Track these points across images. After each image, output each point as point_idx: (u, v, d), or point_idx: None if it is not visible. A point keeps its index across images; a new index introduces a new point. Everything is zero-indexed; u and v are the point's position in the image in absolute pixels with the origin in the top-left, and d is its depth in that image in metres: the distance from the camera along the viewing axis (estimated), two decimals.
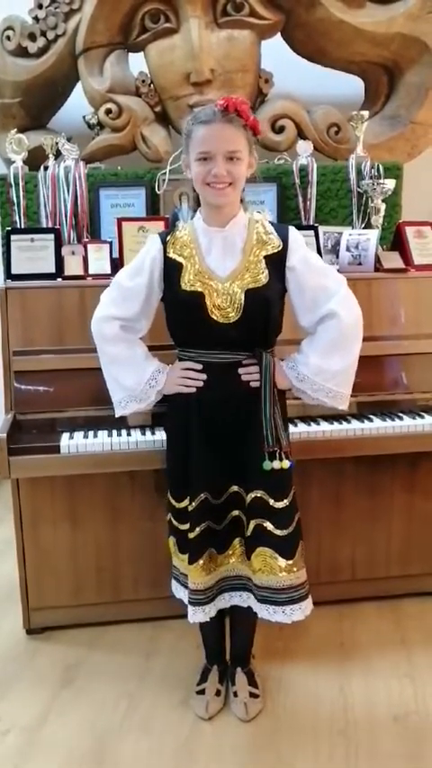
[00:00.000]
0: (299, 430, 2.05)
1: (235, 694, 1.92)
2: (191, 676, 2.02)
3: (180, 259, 1.69)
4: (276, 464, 1.67)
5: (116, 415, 1.85)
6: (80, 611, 2.29)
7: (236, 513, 1.77)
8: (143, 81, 2.86)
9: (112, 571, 2.26)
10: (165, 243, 1.72)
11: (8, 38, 2.91)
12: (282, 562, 1.72)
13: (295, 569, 1.73)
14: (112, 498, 2.21)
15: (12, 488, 2.16)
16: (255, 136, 1.65)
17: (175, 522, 1.83)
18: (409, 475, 2.33)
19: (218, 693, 1.94)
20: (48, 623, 2.29)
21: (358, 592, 2.42)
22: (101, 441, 1.97)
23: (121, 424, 2.07)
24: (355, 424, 2.09)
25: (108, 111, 2.85)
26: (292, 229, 1.73)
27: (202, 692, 1.94)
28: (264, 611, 1.75)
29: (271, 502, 1.71)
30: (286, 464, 1.68)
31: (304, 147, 2.69)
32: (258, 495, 1.71)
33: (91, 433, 2.02)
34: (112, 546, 2.24)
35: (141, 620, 2.31)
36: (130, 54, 2.92)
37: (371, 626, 2.32)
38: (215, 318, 1.66)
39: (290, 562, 1.72)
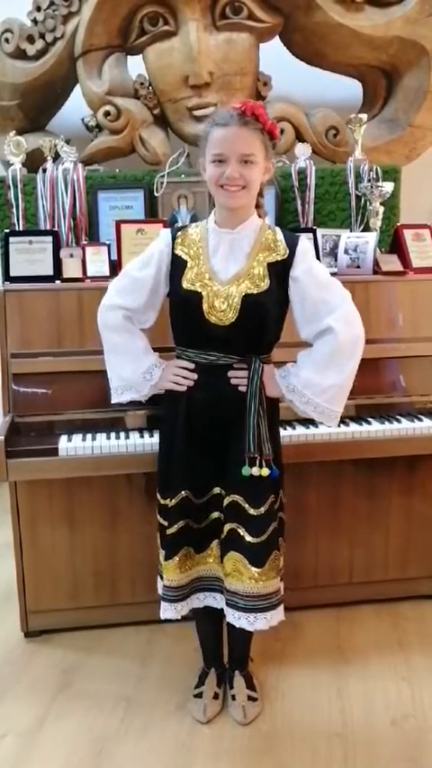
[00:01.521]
0: (297, 432, 2.05)
1: (233, 697, 1.92)
2: (189, 680, 2.01)
3: (186, 257, 1.70)
4: (255, 471, 1.66)
5: (112, 401, 1.85)
6: (78, 614, 2.28)
7: (216, 514, 1.77)
8: (142, 84, 2.86)
9: (109, 574, 2.26)
10: (174, 239, 1.73)
11: (7, 40, 2.91)
12: (251, 569, 1.70)
13: (264, 578, 1.71)
14: (109, 501, 2.20)
15: (10, 491, 2.15)
16: (272, 140, 1.65)
17: (159, 518, 1.84)
18: (407, 478, 2.33)
19: (216, 697, 1.93)
20: (45, 626, 2.29)
21: (356, 595, 2.42)
22: (99, 443, 1.97)
23: (119, 426, 2.08)
24: (354, 427, 2.09)
25: (107, 114, 2.85)
26: (302, 240, 1.72)
27: (199, 695, 1.93)
28: (230, 615, 1.75)
29: (246, 507, 1.70)
30: (265, 472, 1.67)
31: (303, 150, 2.69)
32: (235, 499, 1.71)
33: (89, 436, 2.02)
34: (109, 549, 2.24)
35: (139, 623, 2.30)
36: (129, 57, 2.92)
37: (368, 629, 2.31)
38: (210, 320, 1.66)
39: (258, 570, 1.71)
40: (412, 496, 2.35)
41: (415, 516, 2.37)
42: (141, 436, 2.02)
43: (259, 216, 1.74)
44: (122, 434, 2.04)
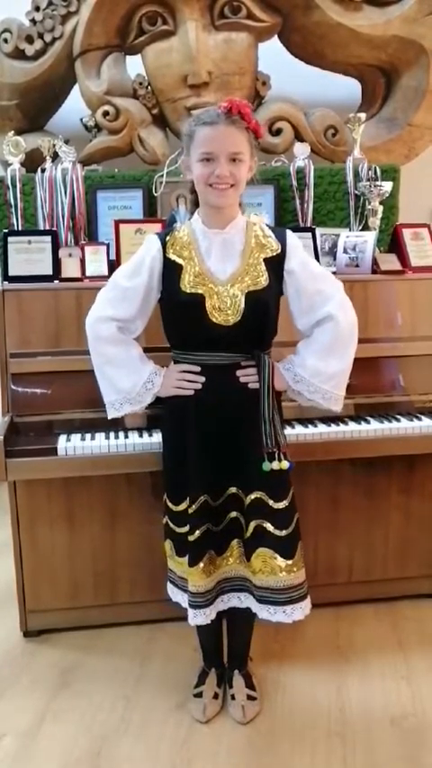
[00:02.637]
0: (296, 432, 2.05)
1: (232, 697, 1.92)
2: (188, 679, 2.01)
3: (179, 260, 1.69)
4: (275, 465, 1.68)
5: (109, 417, 1.83)
6: (77, 613, 2.28)
7: (234, 514, 1.77)
8: (140, 83, 2.87)
9: (109, 574, 2.26)
10: (164, 243, 1.72)
11: (5, 40, 2.92)
12: (282, 562, 1.72)
13: (295, 569, 1.74)
14: (109, 501, 2.20)
15: (9, 491, 2.15)
16: (256, 139, 1.66)
17: (172, 525, 1.83)
18: (406, 477, 2.33)
19: (215, 696, 1.93)
20: (45, 626, 2.28)
21: (355, 594, 2.42)
22: (98, 443, 1.97)
23: (118, 425, 2.07)
24: (353, 426, 2.09)
25: (105, 114, 2.86)
26: (289, 233, 1.74)
27: (199, 694, 1.93)
28: (264, 612, 1.75)
29: (271, 503, 1.71)
30: (285, 465, 1.69)
31: (301, 150, 2.70)
32: (258, 496, 1.72)
33: (88, 436, 2.02)
34: (109, 548, 2.24)
35: (138, 622, 2.31)
36: (128, 56, 2.93)
37: (368, 628, 2.31)
38: (214, 320, 1.66)
39: (290, 562, 1.73)
40: (411, 495, 2.35)
41: (414, 515, 2.37)
42: (140, 436, 2.02)
43: (242, 212, 1.74)
44: (121, 434, 2.03)
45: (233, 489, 1.75)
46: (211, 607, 1.77)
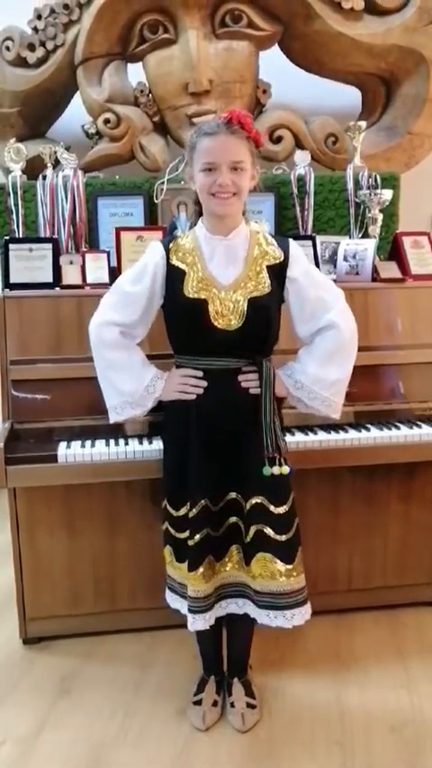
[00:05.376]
0: (296, 439, 2.05)
1: (232, 705, 1.91)
2: (188, 687, 2.01)
3: (183, 266, 1.71)
4: (276, 470, 1.69)
5: (111, 421, 1.84)
6: (77, 620, 2.28)
7: (233, 519, 1.77)
8: (142, 91, 2.88)
9: (108, 581, 2.26)
10: (167, 250, 1.73)
11: (7, 48, 2.93)
12: (281, 567, 1.73)
13: (295, 574, 1.74)
14: (109, 507, 2.20)
15: (9, 497, 2.15)
16: (257, 148, 1.68)
17: (172, 531, 1.83)
18: (406, 484, 2.33)
19: (215, 704, 1.93)
20: (44, 633, 2.28)
21: (355, 601, 2.42)
22: (98, 450, 1.97)
23: (118, 433, 2.08)
24: (353, 434, 2.10)
25: (107, 121, 2.87)
26: (292, 242, 1.77)
27: (198, 702, 1.93)
28: (264, 617, 1.75)
29: (271, 508, 1.72)
30: (286, 470, 1.71)
31: (302, 157, 2.71)
32: (258, 501, 1.72)
33: (88, 443, 2.02)
34: (109, 555, 2.24)
35: (138, 629, 2.30)
36: (129, 64, 2.95)
37: (368, 636, 2.31)
38: (217, 325, 1.67)
39: (290, 567, 1.73)
40: (411, 503, 2.35)
41: (414, 523, 2.37)
42: (141, 443, 2.02)
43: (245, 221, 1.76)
44: (122, 441, 2.03)
45: (233, 494, 1.76)
46: (210, 612, 1.77)
